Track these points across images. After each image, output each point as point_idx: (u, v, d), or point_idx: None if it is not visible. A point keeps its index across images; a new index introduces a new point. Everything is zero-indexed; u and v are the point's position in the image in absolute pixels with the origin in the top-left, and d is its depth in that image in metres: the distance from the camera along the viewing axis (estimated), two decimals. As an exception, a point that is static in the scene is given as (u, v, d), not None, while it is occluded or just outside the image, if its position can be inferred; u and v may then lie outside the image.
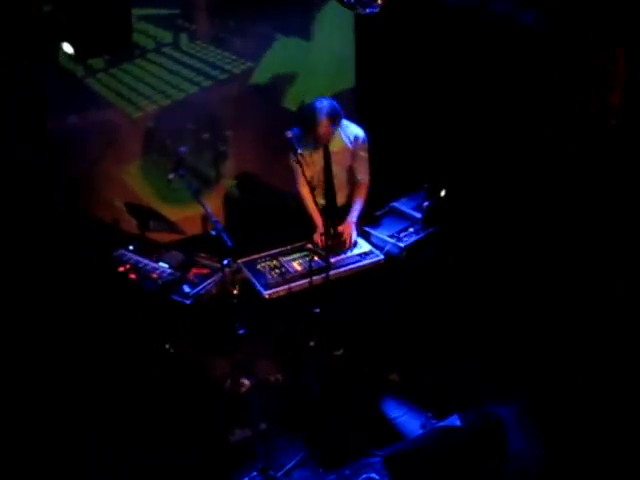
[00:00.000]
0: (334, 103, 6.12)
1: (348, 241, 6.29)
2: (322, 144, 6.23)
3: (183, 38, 7.42)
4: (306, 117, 6.09)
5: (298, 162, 5.71)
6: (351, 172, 6.50)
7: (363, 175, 6.48)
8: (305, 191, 6.17)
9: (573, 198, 6.61)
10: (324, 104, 6.05)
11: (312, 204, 6.07)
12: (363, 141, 6.40)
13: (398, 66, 7.80)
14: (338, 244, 6.26)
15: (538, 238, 6.82)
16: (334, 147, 6.31)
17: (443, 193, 6.55)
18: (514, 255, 6.92)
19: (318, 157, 6.31)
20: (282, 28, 7.78)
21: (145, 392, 5.94)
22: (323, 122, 6.01)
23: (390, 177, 7.35)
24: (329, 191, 6.45)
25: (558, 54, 6.48)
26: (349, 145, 6.36)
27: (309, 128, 6.08)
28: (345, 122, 6.34)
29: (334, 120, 6.07)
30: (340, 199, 6.56)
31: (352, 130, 6.39)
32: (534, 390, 6.09)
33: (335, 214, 6.44)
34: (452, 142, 7.43)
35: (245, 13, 7.37)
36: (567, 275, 6.60)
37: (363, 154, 6.42)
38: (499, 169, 7.06)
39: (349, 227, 6.35)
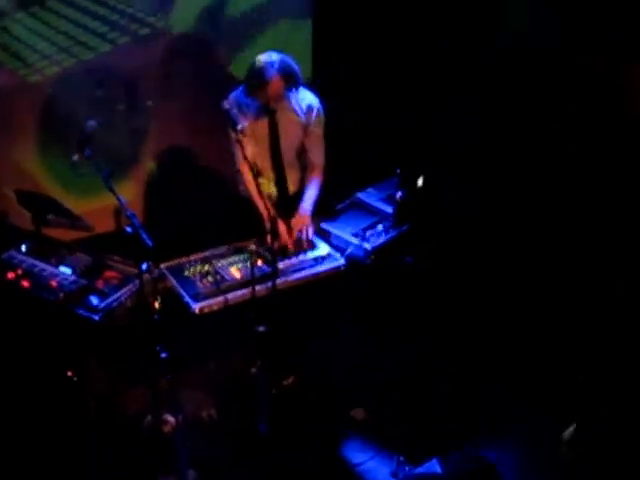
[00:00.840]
0: (288, 59, 6.09)
1: (306, 237, 6.25)
2: (268, 113, 6.20)
3: (93, -19, 7.30)
4: (252, 74, 6.04)
5: (238, 140, 5.65)
6: (302, 152, 6.48)
7: (316, 156, 6.48)
8: (248, 177, 6.11)
9: (572, 194, 6.85)
10: (274, 58, 6.01)
11: (256, 193, 6.00)
12: (318, 113, 6.37)
13: (369, 20, 7.85)
14: (294, 243, 6.23)
15: (535, 237, 6.93)
16: (283, 116, 6.28)
17: (420, 182, 6.51)
18: (506, 258, 7.00)
19: (262, 129, 6.25)
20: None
21: (41, 432, 5.86)
22: (274, 80, 5.96)
23: (354, 161, 7.36)
24: (279, 174, 6.42)
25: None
26: (301, 116, 6.34)
27: (255, 88, 6.05)
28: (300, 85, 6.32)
29: (288, 79, 6.03)
30: (290, 185, 6.54)
31: (305, 98, 6.36)
32: (533, 425, 6.11)
33: (288, 204, 6.42)
34: (431, 117, 7.47)
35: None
36: (566, 281, 6.80)
37: (317, 130, 6.41)
38: (488, 151, 7.14)
39: (305, 219, 6.31)
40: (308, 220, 6.31)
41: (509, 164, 7.12)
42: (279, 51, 6.16)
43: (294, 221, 6.30)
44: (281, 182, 6.46)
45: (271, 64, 5.97)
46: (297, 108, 6.32)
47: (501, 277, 7.03)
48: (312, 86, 6.51)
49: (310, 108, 6.34)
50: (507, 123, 7.20)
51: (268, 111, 6.21)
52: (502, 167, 7.14)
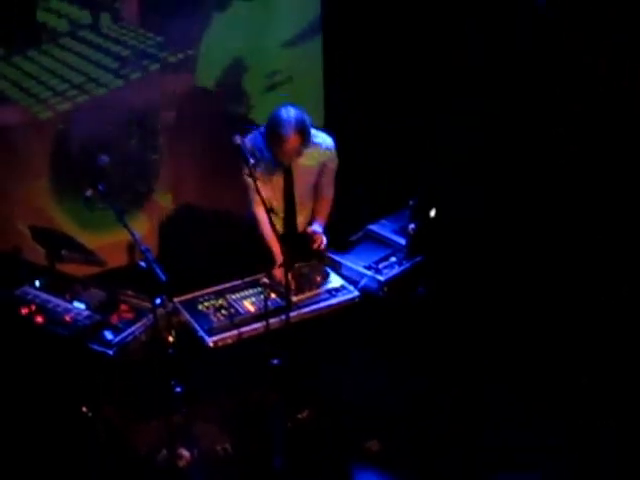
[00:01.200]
0: (304, 115, 6.04)
1: (320, 244, 6.35)
2: (282, 165, 6.20)
3: (105, 18, 7.35)
4: (270, 130, 6.02)
5: (251, 176, 5.63)
6: (315, 189, 6.50)
7: (327, 190, 6.52)
8: (260, 212, 6.09)
9: (577, 204, 6.88)
10: (292, 115, 5.96)
11: (269, 229, 5.98)
12: (333, 153, 6.39)
13: (380, 50, 7.89)
14: (304, 278, 6.24)
15: (551, 275, 6.90)
16: (299, 167, 6.27)
17: (433, 213, 6.52)
18: (522, 292, 6.95)
19: (278, 180, 6.27)
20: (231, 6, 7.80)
21: (55, 467, 5.82)
22: (291, 138, 5.94)
23: (366, 192, 7.34)
24: (289, 218, 6.43)
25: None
26: (316, 162, 6.34)
27: (273, 144, 6.02)
28: (313, 131, 6.26)
29: (304, 136, 6.00)
30: (301, 224, 6.55)
31: (321, 141, 6.34)
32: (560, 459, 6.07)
33: (295, 243, 6.37)
34: (445, 148, 7.46)
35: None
36: (571, 288, 6.87)
37: (332, 166, 6.43)
38: (505, 183, 7.12)
39: (314, 231, 6.40)
40: (319, 232, 6.40)
41: (525, 193, 7.11)
42: (296, 106, 6.10)
43: (310, 230, 6.42)
44: (290, 223, 6.45)
45: (288, 121, 5.91)
46: (315, 153, 6.29)
47: (512, 308, 7.00)
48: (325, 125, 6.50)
49: (327, 148, 6.34)
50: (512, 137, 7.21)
51: (283, 163, 6.20)
52: (519, 196, 7.14)
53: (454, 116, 7.49)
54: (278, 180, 6.28)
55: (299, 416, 6.26)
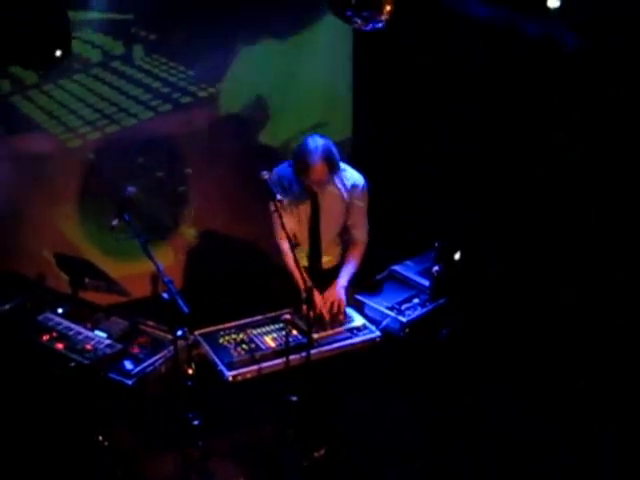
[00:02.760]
0: (330, 144, 6.10)
1: (337, 310, 6.22)
2: (310, 194, 6.23)
3: (137, 50, 7.43)
4: (298, 157, 6.07)
5: (276, 210, 5.69)
6: (344, 228, 6.49)
7: (360, 232, 6.48)
8: (285, 247, 6.13)
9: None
10: (319, 144, 6.02)
11: (293, 263, 6.01)
12: (362, 189, 6.38)
13: (406, 96, 7.91)
14: (329, 314, 6.22)
15: (578, 316, 6.89)
16: (326, 198, 6.30)
17: (458, 256, 6.53)
18: (547, 336, 6.94)
19: (305, 209, 6.30)
20: (260, 41, 7.86)
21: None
22: (318, 166, 5.98)
23: (391, 234, 7.36)
24: (314, 251, 6.44)
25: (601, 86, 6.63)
26: (344, 195, 6.35)
27: (300, 172, 6.07)
28: (342, 166, 6.33)
29: (331, 164, 6.05)
30: (327, 261, 6.55)
31: (350, 176, 6.37)
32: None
33: (319, 278, 6.39)
34: (470, 192, 7.48)
35: (217, 22, 7.40)
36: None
37: (361, 205, 6.40)
38: (527, 227, 7.12)
39: (338, 293, 6.29)
40: (341, 294, 6.28)
41: (548, 237, 7.13)
42: (323, 135, 6.18)
43: (327, 293, 6.28)
44: (314, 258, 6.47)
45: (315, 149, 5.97)
46: (342, 188, 6.33)
47: (535, 357, 7.00)
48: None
49: (355, 186, 6.35)
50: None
51: (311, 192, 6.23)
52: (540, 240, 7.16)
53: (480, 162, 7.52)
54: (305, 211, 6.31)
55: (315, 454, 6.27)
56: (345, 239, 6.52)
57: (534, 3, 6.43)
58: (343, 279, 6.35)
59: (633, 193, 6.62)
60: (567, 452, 6.23)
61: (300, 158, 6.03)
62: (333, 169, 6.08)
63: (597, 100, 6.64)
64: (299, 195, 6.24)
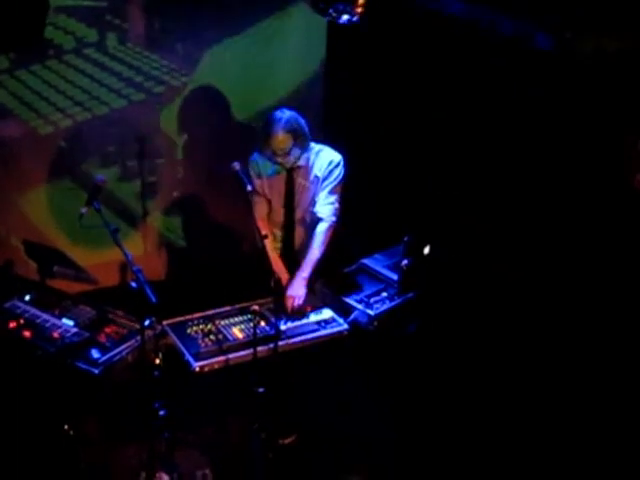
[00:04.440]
0: (297, 117, 6.16)
1: (290, 304, 6.25)
2: (286, 172, 6.30)
3: (111, 38, 7.40)
4: (262, 129, 6.16)
5: (252, 200, 5.80)
6: (313, 207, 6.51)
7: (325, 208, 6.44)
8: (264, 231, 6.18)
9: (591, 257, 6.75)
10: (284, 115, 6.10)
11: (270, 249, 6.05)
12: (336, 166, 6.39)
13: (379, 91, 7.91)
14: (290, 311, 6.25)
15: (548, 317, 6.89)
16: (300, 177, 6.36)
17: (427, 250, 6.55)
18: (514, 334, 6.96)
19: (279, 187, 6.35)
20: (233, 30, 7.83)
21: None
22: (279, 135, 6.04)
23: (359, 226, 7.36)
24: (288, 232, 6.50)
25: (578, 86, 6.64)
26: (319, 175, 6.39)
27: (262, 142, 6.14)
28: (317, 146, 6.39)
29: (295, 136, 6.09)
30: (298, 240, 6.59)
31: (326, 155, 6.42)
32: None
33: (292, 259, 6.47)
34: (441, 186, 7.50)
35: (192, 10, 7.39)
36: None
37: (335, 182, 6.41)
38: (502, 222, 7.15)
39: (299, 290, 6.29)
40: (302, 291, 6.28)
41: (523, 233, 7.14)
42: (293, 108, 6.24)
43: (289, 290, 6.29)
44: (288, 240, 6.51)
45: (279, 119, 6.06)
46: (317, 167, 6.38)
47: (504, 349, 7.02)
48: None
49: (331, 162, 6.38)
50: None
51: (286, 170, 6.29)
52: (517, 235, 7.17)
53: (449, 153, 7.53)
54: (280, 191, 6.36)
55: (282, 442, 6.26)
56: (313, 220, 6.50)
57: (509, 1, 6.46)
58: (304, 271, 6.35)
59: (608, 190, 6.63)
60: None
61: (264, 128, 6.12)
62: (298, 140, 6.12)
63: (573, 99, 6.66)
64: (274, 174, 6.30)
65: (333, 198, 6.42)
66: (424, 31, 7.35)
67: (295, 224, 6.52)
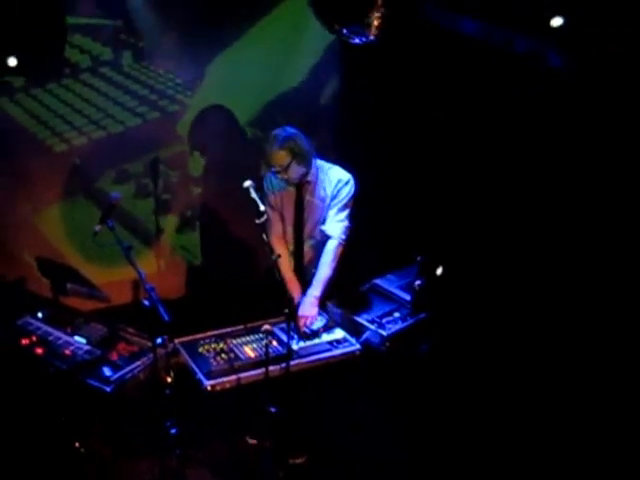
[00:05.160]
0: (296, 135, 6.19)
1: (303, 324, 6.23)
2: (295, 189, 6.31)
3: (126, 57, 7.46)
4: (264, 148, 6.25)
5: (264, 222, 5.76)
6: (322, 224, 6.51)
7: (334, 227, 6.43)
8: (280, 249, 6.22)
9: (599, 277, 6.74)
10: (282, 133, 6.16)
11: (286, 267, 6.05)
12: (345, 185, 6.40)
13: (393, 110, 7.93)
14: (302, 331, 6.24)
15: (559, 336, 6.87)
16: (308, 194, 6.38)
17: (440, 271, 6.55)
18: (531, 354, 6.94)
19: (288, 204, 6.37)
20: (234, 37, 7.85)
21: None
22: (276, 152, 6.09)
23: (373, 246, 7.36)
24: (298, 248, 6.49)
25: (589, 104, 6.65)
26: (326, 190, 6.40)
27: (264, 158, 6.27)
28: (327, 164, 6.41)
29: (293, 153, 6.11)
30: (307, 257, 6.59)
31: (336, 174, 6.42)
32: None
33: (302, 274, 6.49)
34: (455, 204, 7.49)
35: (208, 29, 7.41)
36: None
37: (344, 201, 6.40)
38: (514, 243, 7.14)
39: (311, 310, 6.28)
40: (314, 311, 6.28)
41: (534, 252, 7.13)
42: (294, 127, 6.26)
43: (301, 310, 6.26)
44: (297, 256, 6.51)
45: (276, 137, 6.11)
46: (327, 185, 6.39)
47: (516, 370, 7.00)
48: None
49: (340, 181, 6.38)
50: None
51: (295, 187, 6.31)
52: (528, 255, 7.16)
53: (465, 178, 7.53)
54: (290, 207, 6.37)
55: (293, 461, 6.23)
56: (322, 237, 6.49)
57: (523, 20, 6.47)
58: (315, 290, 6.34)
59: (612, 210, 6.63)
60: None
61: (265, 147, 6.19)
62: (296, 157, 6.13)
63: (584, 116, 6.67)
64: (283, 190, 6.33)
65: (343, 216, 6.42)
66: (438, 49, 7.37)
67: (304, 240, 6.51)
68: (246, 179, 5.78)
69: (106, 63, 7.37)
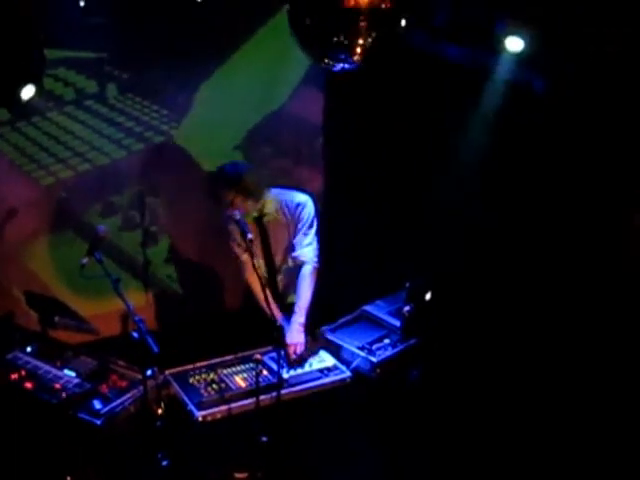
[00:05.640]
0: (236, 169, 6.26)
1: (292, 352, 6.23)
2: (255, 220, 6.36)
3: (111, 89, 7.46)
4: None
5: (247, 250, 5.80)
6: (292, 250, 6.54)
7: (305, 250, 6.48)
8: (255, 283, 6.20)
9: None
10: (222, 171, 6.25)
11: (263, 299, 6.02)
12: (304, 208, 6.45)
13: (378, 133, 7.96)
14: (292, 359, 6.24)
15: (552, 363, 6.88)
16: (270, 222, 6.44)
17: (429, 296, 6.55)
18: (520, 378, 6.94)
19: (254, 231, 6.30)
20: (234, 77, 7.89)
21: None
22: (217, 192, 6.20)
23: (361, 274, 7.36)
24: (271, 277, 6.55)
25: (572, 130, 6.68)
26: (287, 217, 6.44)
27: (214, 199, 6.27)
28: (281, 192, 6.49)
29: (236, 189, 6.14)
30: (280, 284, 6.66)
31: (291, 198, 6.48)
32: None
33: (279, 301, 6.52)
34: (442, 232, 7.51)
35: (192, 60, 7.43)
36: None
37: (308, 222, 6.46)
38: (503, 267, 7.15)
39: (298, 337, 6.30)
40: (302, 338, 6.30)
41: (525, 275, 7.13)
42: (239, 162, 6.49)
43: (288, 338, 6.27)
44: (272, 284, 6.55)
45: (219, 175, 6.26)
46: (284, 210, 6.43)
47: (510, 391, 6.99)
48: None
49: (298, 205, 6.43)
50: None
51: (255, 220, 6.36)
52: (518, 279, 7.16)
53: (452, 202, 7.54)
54: (255, 234, 6.31)
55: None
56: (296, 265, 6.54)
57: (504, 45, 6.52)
58: (300, 316, 6.36)
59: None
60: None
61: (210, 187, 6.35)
62: (240, 192, 6.16)
63: (566, 141, 6.70)
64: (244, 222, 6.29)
65: (310, 239, 6.48)
66: (422, 73, 7.42)
67: (277, 268, 6.57)
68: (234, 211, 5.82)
69: (91, 96, 7.37)
